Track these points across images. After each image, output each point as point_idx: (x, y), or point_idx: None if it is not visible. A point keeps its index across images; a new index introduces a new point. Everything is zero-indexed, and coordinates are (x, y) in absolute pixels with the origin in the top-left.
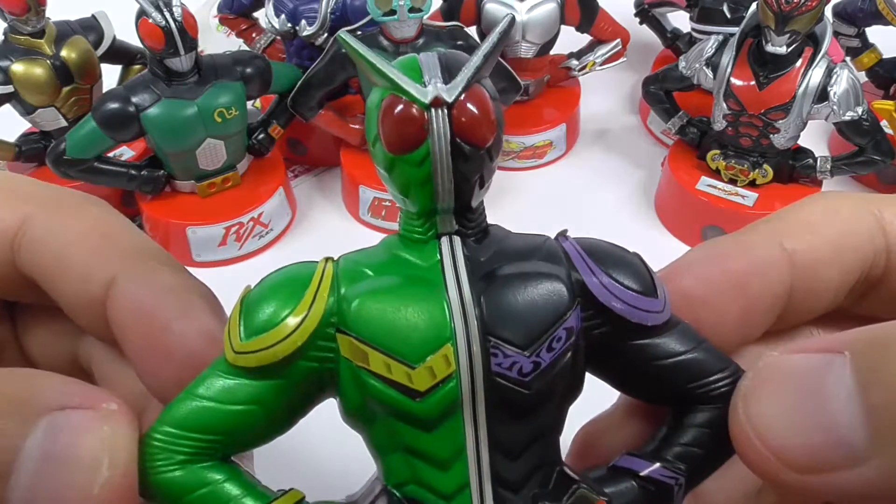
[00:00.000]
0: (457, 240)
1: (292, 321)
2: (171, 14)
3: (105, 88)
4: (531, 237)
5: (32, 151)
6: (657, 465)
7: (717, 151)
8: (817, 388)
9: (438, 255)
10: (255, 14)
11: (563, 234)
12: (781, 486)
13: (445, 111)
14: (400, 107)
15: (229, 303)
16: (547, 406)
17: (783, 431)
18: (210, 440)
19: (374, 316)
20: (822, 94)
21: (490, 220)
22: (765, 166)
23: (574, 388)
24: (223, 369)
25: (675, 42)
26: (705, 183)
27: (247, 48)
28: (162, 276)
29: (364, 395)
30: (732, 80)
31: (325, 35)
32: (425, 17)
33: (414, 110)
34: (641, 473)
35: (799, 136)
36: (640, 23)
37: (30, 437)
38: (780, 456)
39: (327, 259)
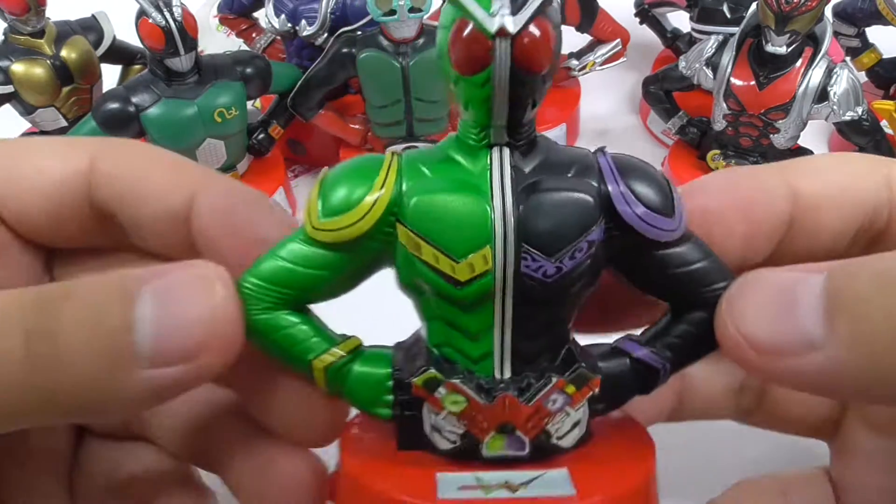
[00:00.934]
0: (506, 151)
1: (361, 209)
2: (171, 14)
3: (105, 88)
4: (574, 151)
5: None
6: (647, 349)
7: (717, 151)
8: (792, 291)
9: (489, 163)
10: (255, 14)
11: (601, 150)
12: (749, 368)
13: (508, 42)
14: (468, 31)
15: None
16: (563, 300)
17: (756, 321)
18: (288, 293)
19: (427, 214)
20: (822, 94)
21: None
22: None
23: (590, 285)
24: (303, 238)
25: (675, 42)
26: None
27: (247, 48)
28: (237, 185)
29: (414, 275)
30: (732, 80)
31: (325, 35)
32: (425, 16)
33: (480, 37)
34: (633, 355)
35: (799, 136)
36: (640, 23)
37: (139, 299)
38: (751, 340)
39: (393, 153)
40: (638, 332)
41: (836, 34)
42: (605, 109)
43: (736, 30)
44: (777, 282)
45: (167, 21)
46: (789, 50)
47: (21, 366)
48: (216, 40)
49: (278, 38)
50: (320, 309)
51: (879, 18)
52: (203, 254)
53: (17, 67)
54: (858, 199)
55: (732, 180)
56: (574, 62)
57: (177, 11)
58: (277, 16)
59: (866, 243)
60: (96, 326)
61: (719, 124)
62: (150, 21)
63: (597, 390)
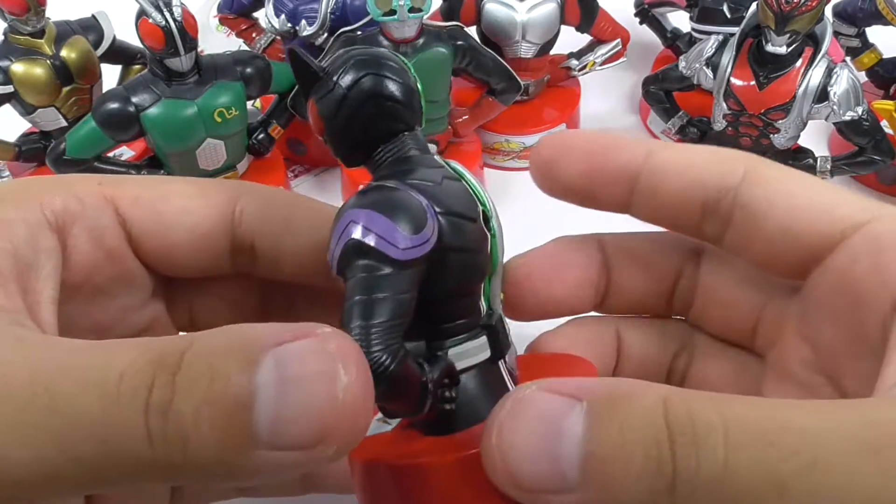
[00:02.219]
0: None
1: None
2: (171, 14)
3: (105, 88)
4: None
5: (32, 151)
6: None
7: None
8: (556, 426)
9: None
10: (255, 14)
11: None
12: (511, 495)
13: None
14: None
15: None
16: None
17: (520, 457)
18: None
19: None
20: (822, 94)
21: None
22: None
23: None
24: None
25: (675, 42)
26: None
27: (247, 48)
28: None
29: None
30: (732, 80)
31: (325, 35)
32: (425, 17)
33: None
34: None
35: (799, 136)
36: (640, 23)
37: (259, 373)
38: (513, 476)
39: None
40: None
41: (836, 34)
42: (605, 109)
43: (736, 30)
44: (544, 411)
45: (167, 21)
46: (789, 50)
47: (143, 440)
48: (216, 40)
49: (278, 38)
50: None
51: (879, 18)
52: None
53: (17, 67)
54: (703, 175)
55: (600, 135)
56: (574, 62)
57: (177, 11)
58: (277, 16)
59: (719, 225)
60: (213, 400)
61: (719, 124)
62: (150, 21)
63: None
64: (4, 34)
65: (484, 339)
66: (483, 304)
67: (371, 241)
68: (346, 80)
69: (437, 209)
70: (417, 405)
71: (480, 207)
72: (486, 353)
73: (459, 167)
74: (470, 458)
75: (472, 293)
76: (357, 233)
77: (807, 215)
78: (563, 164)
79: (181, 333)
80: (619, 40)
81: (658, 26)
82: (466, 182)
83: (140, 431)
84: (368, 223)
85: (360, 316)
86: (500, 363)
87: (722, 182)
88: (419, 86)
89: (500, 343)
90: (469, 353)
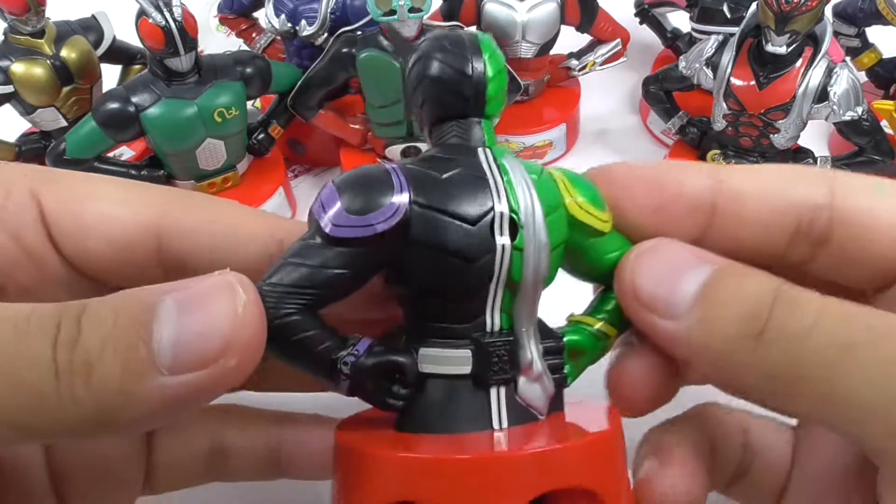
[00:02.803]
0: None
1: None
2: (171, 14)
3: (105, 88)
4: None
5: (32, 151)
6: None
7: (717, 151)
8: (682, 270)
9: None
10: (255, 14)
11: None
12: (627, 311)
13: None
14: None
15: None
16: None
17: (647, 280)
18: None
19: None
20: (822, 94)
21: None
22: None
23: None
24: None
25: (675, 42)
26: None
27: (247, 48)
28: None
29: None
30: (732, 80)
31: (325, 35)
32: (425, 17)
33: None
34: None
35: (799, 136)
36: (640, 23)
37: (161, 305)
38: (637, 292)
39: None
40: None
41: (836, 34)
42: (605, 109)
43: (736, 30)
44: (678, 255)
45: (167, 21)
46: (789, 50)
47: (49, 373)
48: (216, 40)
49: (278, 38)
50: None
51: (879, 18)
52: None
53: (17, 67)
54: (790, 196)
55: (660, 164)
56: (574, 62)
57: (177, 11)
58: (277, 16)
59: (810, 247)
60: (115, 333)
61: (719, 124)
62: (150, 21)
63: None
64: (4, 34)
65: (467, 352)
66: (493, 319)
67: (315, 211)
68: (411, 59)
69: (418, 200)
70: (325, 378)
71: (500, 213)
72: (465, 369)
73: (515, 166)
74: (407, 460)
75: (459, 299)
76: (315, 202)
77: None
78: (626, 201)
79: None
80: (619, 40)
81: (658, 26)
82: (503, 182)
83: (47, 363)
84: (324, 195)
85: (269, 274)
86: (492, 390)
87: (812, 201)
88: (489, 76)
89: (490, 365)
90: (442, 360)
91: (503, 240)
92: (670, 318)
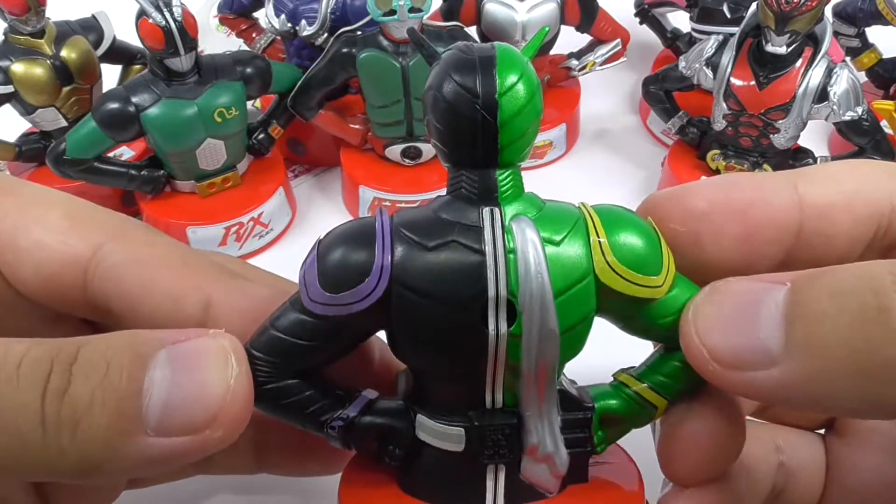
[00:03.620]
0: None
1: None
2: (171, 14)
3: (105, 88)
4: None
5: (32, 151)
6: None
7: (717, 151)
8: (754, 304)
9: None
10: (255, 14)
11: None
12: (711, 378)
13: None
14: None
15: None
16: None
17: (718, 333)
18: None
19: None
20: (822, 94)
21: None
22: (765, 166)
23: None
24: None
25: (675, 42)
26: None
27: (247, 48)
28: (252, 289)
29: None
30: (732, 80)
31: (325, 35)
32: (425, 17)
33: None
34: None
35: (799, 136)
36: (640, 23)
37: (154, 364)
38: (712, 353)
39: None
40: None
41: (836, 34)
42: (605, 109)
43: (736, 30)
44: (741, 292)
45: (167, 21)
46: (789, 50)
47: (36, 423)
48: (216, 40)
49: (278, 38)
50: None
51: (879, 18)
52: None
53: (17, 67)
54: (871, 203)
55: (732, 181)
56: (574, 62)
57: (177, 11)
58: (277, 16)
59: (882, 252)
60: (105, 385)
61: (719, 124)
62: (150, 21)
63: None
64: (4, 34)
65: (460, 431)
66: (493, 397)
67: (300, 277)
68: (428, 81)
69: (398, 277)
70: (318, 433)
71: (494, 297)
72: (457, 447)
73: (525, 232)
74: None
75: (449, 378)
76: (304, 261)
77: None
78: (707, 236)
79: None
80: (619, 40)
81: (658, 26)
82: (504, 256)
83: (35, 414)
84: (308, 261)
85: (256, 337)
86: (489, 468)
87: (891, 201)
88: (502, 119)
89: (484, 448)
90: (436, 433)
91: (496, 327)
92: (769, 365)
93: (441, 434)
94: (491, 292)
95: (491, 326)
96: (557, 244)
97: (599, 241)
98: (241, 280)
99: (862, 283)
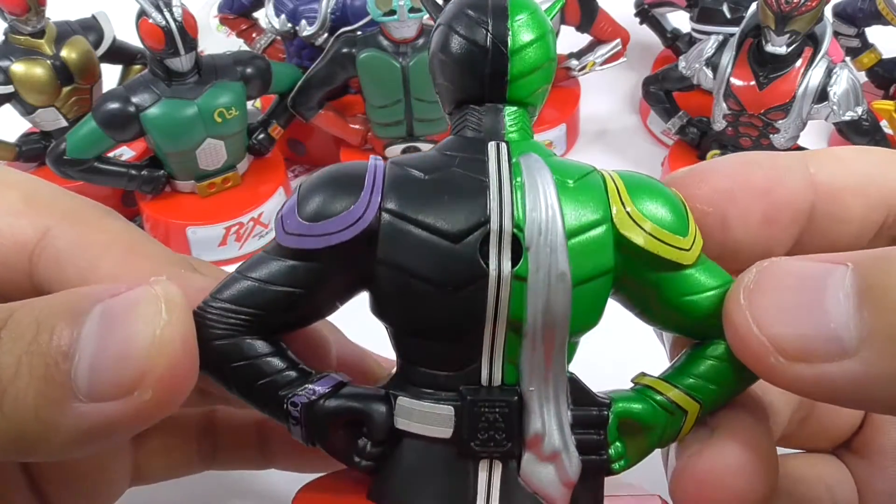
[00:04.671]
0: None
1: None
2: (171, 14)
3: (105, 88)
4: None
5: (32, 151)
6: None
7: (717, 151)
8: (817, 288)
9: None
10: (255, 14)
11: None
12: (771, 374)
13: None
14: None
15: None
16: None
17: (780, 321)
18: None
19: None
20: (822, 95)
21: None
22: None
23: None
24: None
25: (675, 42)
26: None
27: (247, 48)
28: (193, 280)
29: None
30: (732, 80)
31: (325, 35)
32: (425, 17)
33: None
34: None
35: (799, 136)
36: (640, 23)
37: (86, 322)
38: (775, 342)
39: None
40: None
41: (836, 34)
42: (605, 109)
43: (736, 30)
44: (799, 272)
45: (167, 21)
46: (789, 50)
47: None
48: (216, 40)
49: (278, 38)
50: None
51: (879, 18)
52: None
53: (18, 67)
54: (881, 187)
55: (749, 160)
56: (574, 62)
57: (177, 11)
58: (277, 16)
59: (890, 240)
60: (32, 350)
61: (719, 124)
62: (150, 21)
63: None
64: (5, 34)
65: (449, 410)
66: (491, 370)
67: (276, 221)
68: (439, 19)
69: (388, 206)
70: (279, 420)
71: (497, 228)
72: (444, 432)
73: (534, 166)
74: None
75: (441, 338)
76: (278, 212)
77: None
78: (735, 216)
79: None
80: (619, 40)
81: (658, 26)
82: (510, 187)
83: None
84: (287, 203)
85: (218, 287)
86: (482, 464)
87: None
88: (513, 48)
89: (477, 431)
90: (421, 416)
91: (498, 265)
92: (842, 356)
93: (426, 415)
94: (494, 223)
95: (492, 264)
96: (570, 186)
97: (618, 188)
98: (194, 272)
99: None
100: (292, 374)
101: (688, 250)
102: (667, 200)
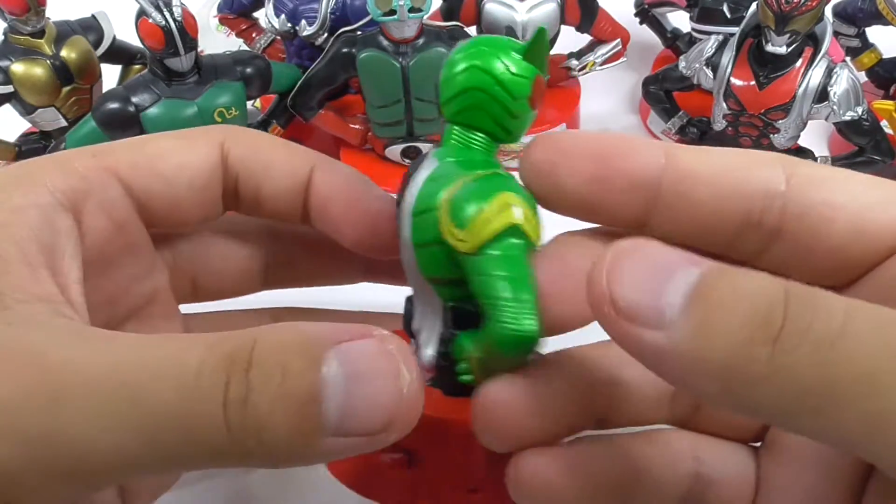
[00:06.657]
0: None
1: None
2: (171, 14)
3: (105, 88)
4: None
5: (32, 151)
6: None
7: None
8: (670, 272)
9: None
10: (255, 14)
11: None
12: (603, 321)
13: None
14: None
15: (230, 304)
16: None
17: (625, 283)
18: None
19: None
20: (823, 94)
21: None
22: None
23: None
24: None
25: (675, 42)
26: None
27: (247, 48)
28: (342, 166)
29: None
30: (732, 80)
31: (325, 35)
32: (425, 17)
33: None
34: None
35: (799, 136)
36: (640, 23)
37: (326, 369)
38: (614, 299)
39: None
40: None
41: (836, 34)
42: (605, 109)
43: (736, 30)
44: (660, 259)
45: (167, 21)
46: (789, 50)
47: (221, 429)
48: (216, 40)
49: (278, 38)
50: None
51: (879, 18)
52: (319, 217)
53: (17, 67)
54: (741, 181)
55: (604, 137)
56: (574, 62)
57: (177, 11)
58: (277, 16)
59: (761, 238)
60: (283, 392)
61: (719, 124)
62: (150, 21)
63: None
64: (4, 34)
65: None
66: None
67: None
68: None
69: None
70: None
71: (399, 198)
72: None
73: (424, 167)
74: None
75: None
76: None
77: (875, 216)
78: (564, 169)
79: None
80: (619, 40)
81: (658, 26)
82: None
83: (219, 422)
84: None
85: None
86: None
87: (766, 188)
88: (443, 77)
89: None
90: None
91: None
92: (657, 327)
93: None
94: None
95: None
96: (434, 181)
97: (458, 185)
98: (331, 159)
99: (762, 291)
100: None
101: (462, 241)
102: (466, 195)
